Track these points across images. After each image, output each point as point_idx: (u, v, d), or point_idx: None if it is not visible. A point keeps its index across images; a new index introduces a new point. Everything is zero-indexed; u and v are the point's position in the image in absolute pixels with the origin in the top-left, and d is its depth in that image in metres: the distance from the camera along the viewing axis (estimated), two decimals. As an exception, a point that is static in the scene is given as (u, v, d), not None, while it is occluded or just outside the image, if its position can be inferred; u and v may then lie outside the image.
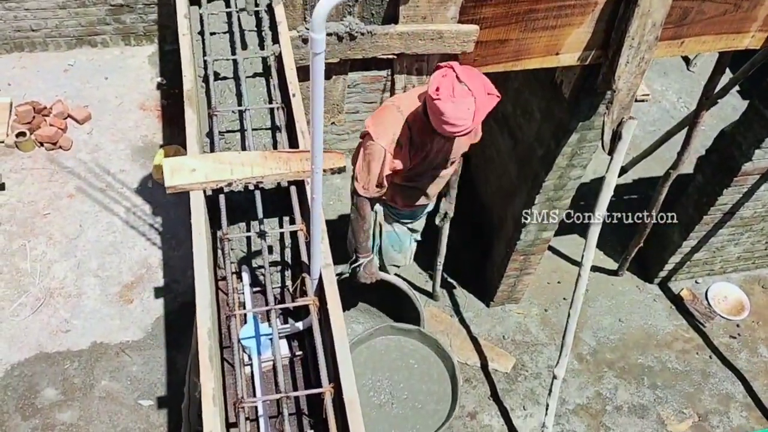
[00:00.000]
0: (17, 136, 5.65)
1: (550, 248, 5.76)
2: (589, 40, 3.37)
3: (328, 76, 3.34)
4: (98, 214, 5.53)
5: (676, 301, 5.65)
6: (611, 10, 3.21)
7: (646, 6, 3.08)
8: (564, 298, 5.55)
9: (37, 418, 4.57)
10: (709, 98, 4.18)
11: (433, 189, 3.58)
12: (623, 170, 6.21)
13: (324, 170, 1.98)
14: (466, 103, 2.59)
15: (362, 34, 3.08)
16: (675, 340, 5.45)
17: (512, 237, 4.89)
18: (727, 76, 4.92)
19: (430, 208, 3.89)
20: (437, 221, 4.33)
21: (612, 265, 5.82)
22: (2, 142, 5.70)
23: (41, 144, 5.77)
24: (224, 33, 2.52)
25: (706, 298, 5.66)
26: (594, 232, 4.01)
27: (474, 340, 5.34)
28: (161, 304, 5.19)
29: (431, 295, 5.46)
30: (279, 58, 2.35)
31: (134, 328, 5.05)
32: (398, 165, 3.13)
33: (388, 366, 3.99)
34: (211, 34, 2.45)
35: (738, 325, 5.57)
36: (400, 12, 3.06)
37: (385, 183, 3.23)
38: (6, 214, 5.43)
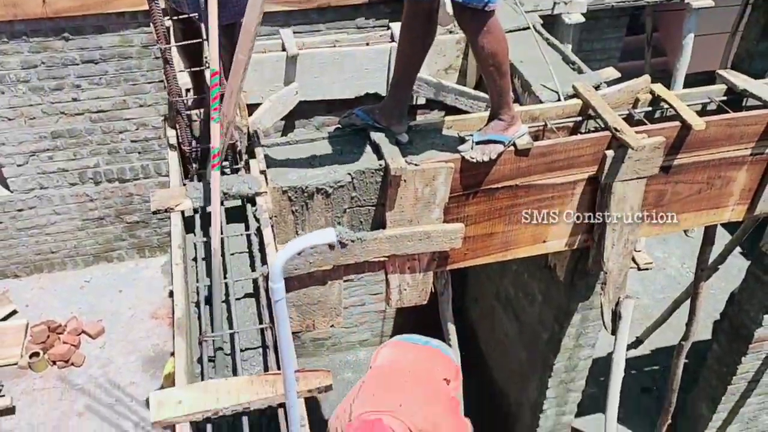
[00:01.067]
0: (31, 356, 5.72)
1: (575, 430, 5.50)
2: (573, 227, 3.49)
3: (323, 282, 3.44)
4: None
5: (720, 479, 5.24)
6: (589, 198, 3.37)
7: (621, 193, 3.24)
8: (597, 486, 5.17)
9: None
10: (704, 269, 4.22)
11: None
12: (639, 341, 6.10)
13: (309, 390, 1.98)
14: None
15: (352, 241, 3.22)
16: None
17: (531, 424, 4.70)
18: (725, 238, 5.03)
19: None
20: None
21: (644, 444, 5.51)
22: (15, 364, 5.76)
23: (54, 363, 5.82)
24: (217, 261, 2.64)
25: (751, 474, 5.26)
26: (612, 413, 3.86)
27: None
28: None
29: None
30: (267, 278, 2.44)
31: None
32: None
33: None
34: (203, 259, 2.58)
35: (792, 502, 5.11)
36: (387, 218, 3.22)
37: None
38: (14, 438, 5.34)
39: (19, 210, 6.18)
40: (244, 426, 1.99)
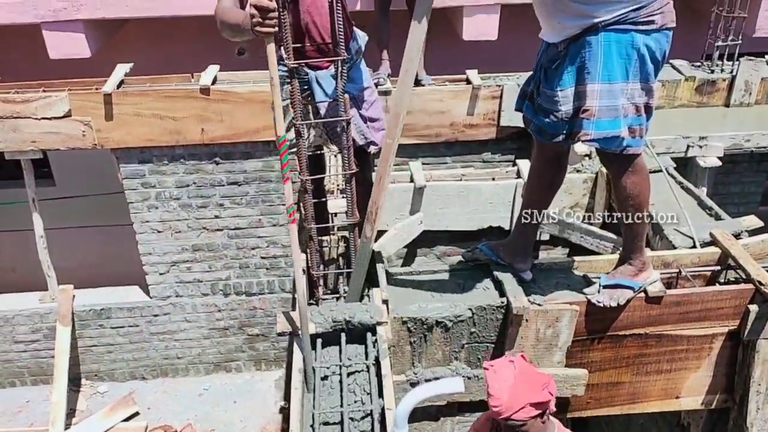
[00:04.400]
0: (145, 460, 5.88)
1: None
2: (710, 384, 3.22)
3: (436, 418, 3.35)
4: None
5: None
6: (729, 354, 3.12)
7: (767, 351, 2.98)
8: None
9: None
10: None
11: None
12: None
13: None
14: (505, 375, 2.40)
15: (468, 378, 3.14)
16: None
17: None
18: None
19: None
20: None
21: None
22: (130, 465, 5.94)
23: (164, 471, 5.94)
24: (334, 387, 2.66)
25: None
26: None
27: None
28: None
29: None
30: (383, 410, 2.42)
31: None
32: None
33: None
34: (322, 379, 2.60)
35: None
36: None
37: None
38: None
39: (155, 315, 6.60)
40: None
